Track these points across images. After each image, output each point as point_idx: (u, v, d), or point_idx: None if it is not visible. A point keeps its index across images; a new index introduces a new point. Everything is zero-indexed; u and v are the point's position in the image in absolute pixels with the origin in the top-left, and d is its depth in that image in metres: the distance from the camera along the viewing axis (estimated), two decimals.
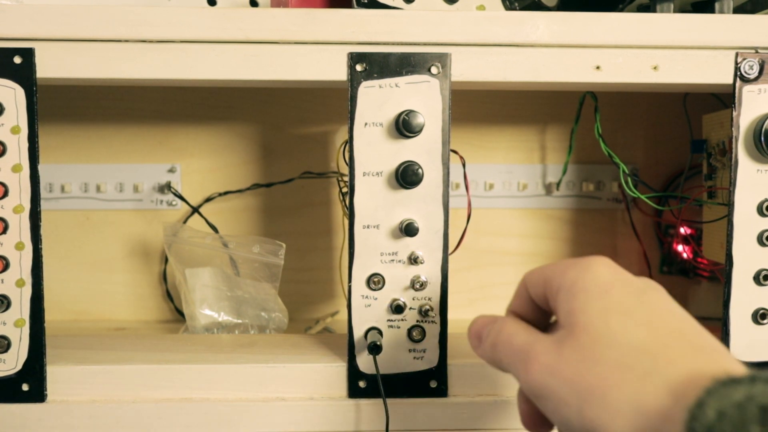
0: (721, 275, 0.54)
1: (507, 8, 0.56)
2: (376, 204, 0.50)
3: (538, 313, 0.40)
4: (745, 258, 0.52)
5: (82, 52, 0.49)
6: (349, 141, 0.50)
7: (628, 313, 0.34)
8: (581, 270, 0.36)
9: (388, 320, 0.51)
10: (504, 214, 0.73)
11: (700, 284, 0.73)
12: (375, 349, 0.50)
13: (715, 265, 0.66)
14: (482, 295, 0.74)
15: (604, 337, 0.33)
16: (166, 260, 0.71)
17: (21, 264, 0.49)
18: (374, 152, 0.50)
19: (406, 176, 0.49)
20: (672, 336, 0.33)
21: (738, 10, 0.56)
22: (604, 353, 0.33)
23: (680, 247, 0.71)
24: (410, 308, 0.51)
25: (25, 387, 0.50)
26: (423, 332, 0.51)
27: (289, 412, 0.51)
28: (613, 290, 0.35)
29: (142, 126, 0.70)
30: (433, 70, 0.50)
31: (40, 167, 0.49)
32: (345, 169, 0.54)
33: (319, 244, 0.72)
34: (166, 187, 0.70)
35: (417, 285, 0.51)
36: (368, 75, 0.49)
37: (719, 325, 0.53)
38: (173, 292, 0.72)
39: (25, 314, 0.50)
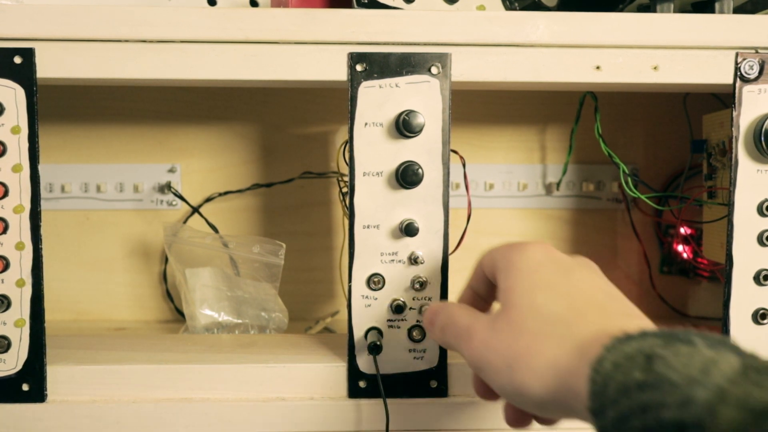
0: (721, 275, 0.54)
1: (507, 8, 0.56)
2: (376, 204, 0.50)
3: (492, 288, 0.45)
4: (745, 258, 0.52)
5: (82, 52, 0.49)
6: (349, 141, 0.50)
7: (552, 288, 0.38)
8: (518, 251, 0.41)
9: (388, 320, 0.51)
10: (504, 214, 0.73)
11: (700, 284, 0.73)
12: (375, 349, 0.50)
13: (715, 265, 0.66)
14: None
15: (530, 311, 0.37)
16: (166, 260, 0.71)
17: (21, 264, 0.49)
18: (374, 152, 0.50)
19: (406, 176, 0.49)
20: (588, 305, 0.37)
21: (738, 10, 0.56)
22: (529, 325, 0.37)
23: (680, 247, 0.71)
24: (410, 308, 0.51)
25: (25, 387, 0.50)
26: (423, 332, 0.51)
27: (289, 412, 0.51)
28: (543, 268, 0.39)
29: (142, 126, 0.70)
30: (433, 70, 0.50)
31: (40, 167, 0.49)
32: (345, 169, 0.54)
33: (319, 244, 0.72)
34: (166, 187, 0.70)
35: (417, 285, 0.51)
36: (368, 75, 0.49)
37: (719, 325, 0.53)
38: (173, 292, 0.72)
39: (25, 314, 0.50)
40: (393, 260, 0.51)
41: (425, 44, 0.50)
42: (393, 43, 0.50)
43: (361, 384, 0.51)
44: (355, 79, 0.49)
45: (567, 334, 0.35)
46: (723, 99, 0.63)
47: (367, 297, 0.51)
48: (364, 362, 0.51)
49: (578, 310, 0.37)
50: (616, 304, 0.38)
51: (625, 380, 0.30)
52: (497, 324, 0.38)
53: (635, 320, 0.36)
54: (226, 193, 0.71)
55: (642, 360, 0.30)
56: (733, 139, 0.51)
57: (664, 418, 0.28)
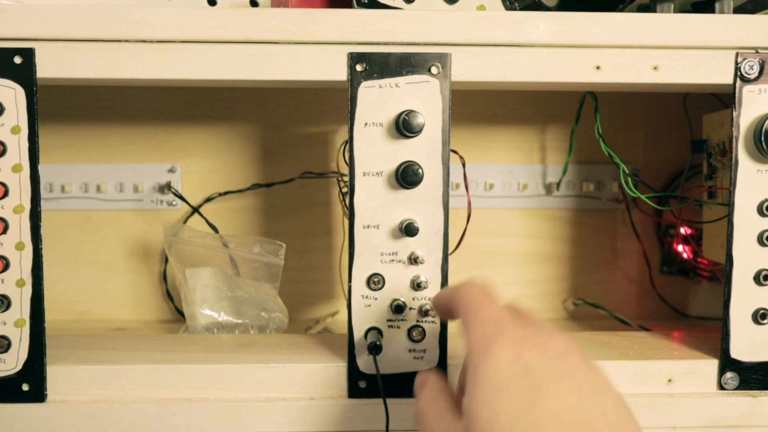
0: (721, 275, 0.54)
1: (507, 8, 0.56)
2: (376, 204, 0.50)
3: None
4: (745, 258, 0.52)
5: (82, 52, 0.49)
6: (349, 141, 0.50)
7: (513, 422, 0.33)
8: (486, 354, 0.36)
9: (388, 320, 0.51)
10: (504, 214, 0.73)
11: (700, 284, 0.73)
12: (375, 349, 0.50)
13: (715, 265, 0.66)
14: None
15: None
16: (166, 260, 0.71)
17: (21, 264, 0.49)
18: (374, 152, 0.50)
19: (406, 176, 0.49)
20: None
21: (738, 10, 0.56)
22: None
23: (680, 247, 0.71)
24: (410, 308, 0.51)
25: (25, 387, 0.50)
26: (423, 332, 0.51)
27: (289, 412, 0.51)
28: (508, 389, 0.34)
29: (142, 126, 0.70)
30: (433, 70, 0.50)
31: (40, 167, 0.49)
32: (345, 169, 0.54)
33: (319, 244, 0.72)
34: (166, 187, 0.70)
35: (417, 285, 0.51)
36: (368, 75, 0.49)
37: (719, 325, 0.53)
38: (173, 292, 0.72)
39: (25, 314, 0.50)
40: (393, 260, 0.51)
41: (425, 44, 0.50)
42: (393, 43, 0.50)
43: (361, 384, 0.51)
44: (355, 79, 0.49)
45: None
46: (723, 99, 0.63)
47: (367, 297, 0.51)
48: (364, 362, 0.51)
49: None
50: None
51: None
52: None
53: None
54: (226, 193, 0.71)
55: None
56: (733, 139, 0.51)
57: None
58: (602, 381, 0.36)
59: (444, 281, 0.51)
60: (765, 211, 0.52)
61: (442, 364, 0.52)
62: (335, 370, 0.52)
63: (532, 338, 0.36)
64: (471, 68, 0.50)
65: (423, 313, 0.51)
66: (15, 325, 0.50)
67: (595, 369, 0.36)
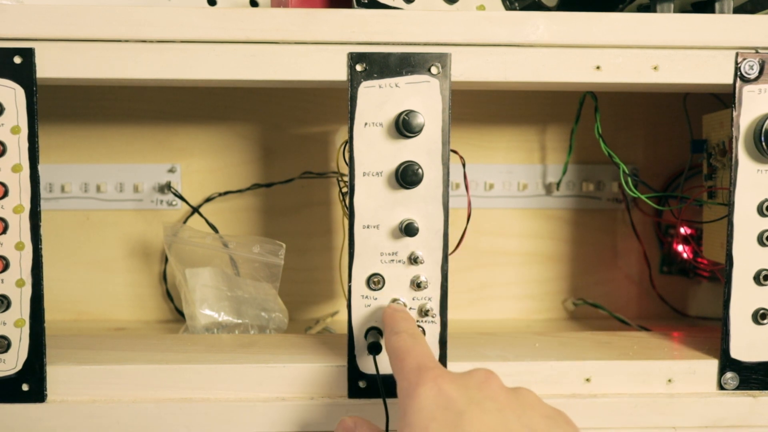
0: (721, 275, 0.54)
1: (507, 8, 0.56)
2: (376, 204, 0.50)
3: None
4: (745, 258, 0.52)
5: (82, 52, 0.49)
6: (349, 141, 0.50)
7: None
8: (408, 399, 0.37)
9: None
10: (504, 214, 0.73)
11: (700, 284, 0.73)
12: (375, 349, 0.50)
13: (715, 265, 0.66)
14: (482, 295, 0.74)
15: None
16: (166, 260, 0.71)
17: (21, 264, 0.49)
18: (374, 152, 0.50)
19: (406, 176, 0.49)
20: None
21: (738, 10, 0.56)
22: None
23: (680, 247, 0.71)
24: (410, 308, 0.51)
25: (25, 387, 0.50)
26: (423, 332, 0.51)
27: (289, 412, 0.51)
28: (433, 422, 0.35)
29: (142, 126, 0.70)
30: (433, 70, 0.50)
31: (40, 167, 0.49)
32: (345, 169, 0.54)
33: (319, 244, 0.72)
34: (166, 187, 0.70)
35: (417, 285, 0.51)
36: (368, 75, 0.49)
37: (719, 325, 0.53)
38: (173, 292, 0.72)
39: (25, 314, 0.50)
40: (393, 260, 0.51)
41: (425, 44, 0.50)
42: (393, 43, 0.50)
43: (361, 384, 0.51)
44: (354, 79, 0.49)
45: None
46: (723, 99, 0.63)
47: (367, 297, 0.51)
48: (364, 362, 0.51)
49: None
50: None
51: None
52: None
53: None
54: (226, 193, 0.71)
55: None
56: (733, 139, 0.51)
57: None
58: (529, 399, 0.37)
59: (444, 281, 0.51)
60: (765, 211, 0.52)
61: (442, 364, 0.52)
62: (335, 370, 0.52)
63: (450, 374, 0.38)
64: (471, 68, 0.50)
65: (423, 313, 0.51)
66: (15, 325, 0.50)
67: (519, 390, 0.38)
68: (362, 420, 0.44)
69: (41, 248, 0.50)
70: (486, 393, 0.37)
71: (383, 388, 0.49)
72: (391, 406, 0.50)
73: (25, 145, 0.49)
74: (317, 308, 0.73)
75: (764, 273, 0.52)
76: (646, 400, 0.52)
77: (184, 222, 0.71)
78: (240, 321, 0.64)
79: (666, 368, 0.53)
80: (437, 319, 0.51)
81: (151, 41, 0.49)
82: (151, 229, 0.71)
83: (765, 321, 0.52)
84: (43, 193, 0.69)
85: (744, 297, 0.52)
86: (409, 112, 0.49)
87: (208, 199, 0.71)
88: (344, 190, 0.64)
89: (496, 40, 0.50)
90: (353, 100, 0.50)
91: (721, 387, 0.53)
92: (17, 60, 0.48)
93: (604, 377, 0.53)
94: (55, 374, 0.51)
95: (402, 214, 0.51)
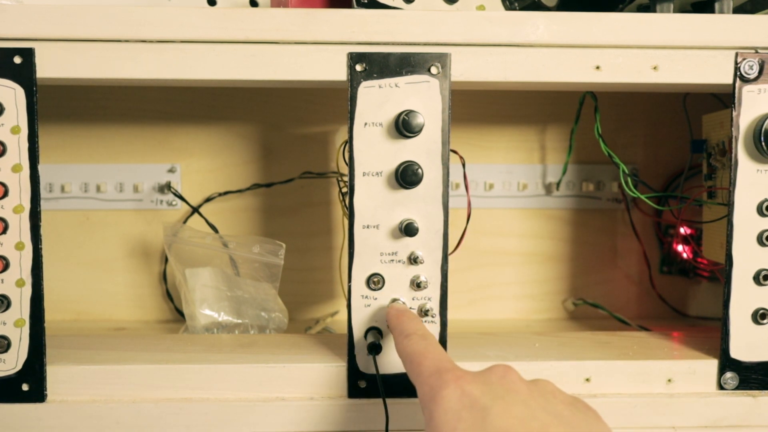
0: (721, 275, 0.54)
1: (507, 8, 0.56)
2: (376, 204, 0.50)
3: None
4: (745, 258, 0.52)
5: (82, 52, 0.49)
6: (349, 141, 0.50)
7: None
8: (435, 404, 0.38)
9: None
10: (504, 214, 0.73)
11: (700, 284, 0.73)
12: (375, 349, 0.50)
13: (715, 265, 0.66)
14: (482, 295, 0.74)
15: None
16: (166, 260, 0.71)
17: (21, 264, 0.49)
18: (374, 152, 0.50)
19: (406, 176, 0.49)
20: None
21: (738, 10, 0.56)
22: None
23: (680, 247, 0.71)
24: (410, 308, 0.51)
25: (25, 387, 0.50)
26: None
27: (289, 412, 0.51)
28: (460, 423, 0.36)
29: (142, 126, 0.70)
30: (433, 70, 0.50)
31: (40, 167, 0.49)
32: (345, 169, 0.54)
33: (319, 244, 0.72)
34: (166, 187, 0.70)
35: (417, 285, 0.51)
36: (368, 75, 0.49)
37: (719, 325, 0.53)
38: (173, 292, 0.72)
39: (25, 314, 0.50)
40: (393, 260, 0.51)
41: (425, 44, 0.50)
42: (393, 43, 0.50)
43: (361, 384, 0.51)
44: (354, 79, 0.49)
45: None
46: (723, 99, 0.63)
47: (366, 297, 0.51)
48: (364, 362, 0.51)
49: None
50: None
51: None
52: None
53: None
54: (226, 193, 0.71)
55: None
56: (733, 139, 0.51)
57: None
58: (549, 388, 0.39)
59: (444, 281, 0.51)
60: (765, 211, 0.52)
61: None
62: (335, 370, 0.52)
63: (470, 373, 0.39)
64: (471, 68, 0.50)
65: (423, 312, 0.51)
66: (15, 325, 0.50)
67: (537, 381, 0.39)
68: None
69: (41, 248, 0.50)
70: (508, 387, 0.38)
71: (383, 388, 0.49)
72: (391, 406, 0.50)
73: (25, 145, 0.49)
74: (317, 308, 0.73)
75: (764, 273, 0.52)
76: (645, 400, 0.52)
77: (184, 222, 0.71)
78: (240, 321, 0.64)
79: (666, 368, 0.53)
80: (437, 319, 0.51)
81: (151, 41, 0.49)
82: (151, 229, 0.71)
83: (765, 321, 0.52)
84: (43, 193, 0.69)
85: (744, 297, 0.52)
86: (409, 112, 0.49)
87: (208, 199, 0.71)
88: (344, 190, 0.64)
89: (495, 40, 0.50)
90: (353, 100, 0.50)
91: (720, 387, 0.53)
92: (17, 60, 0.48)
93: (603, 377, 0.53)
94: (55, 374, 0.51)
95: (402, 214, 0.51)
